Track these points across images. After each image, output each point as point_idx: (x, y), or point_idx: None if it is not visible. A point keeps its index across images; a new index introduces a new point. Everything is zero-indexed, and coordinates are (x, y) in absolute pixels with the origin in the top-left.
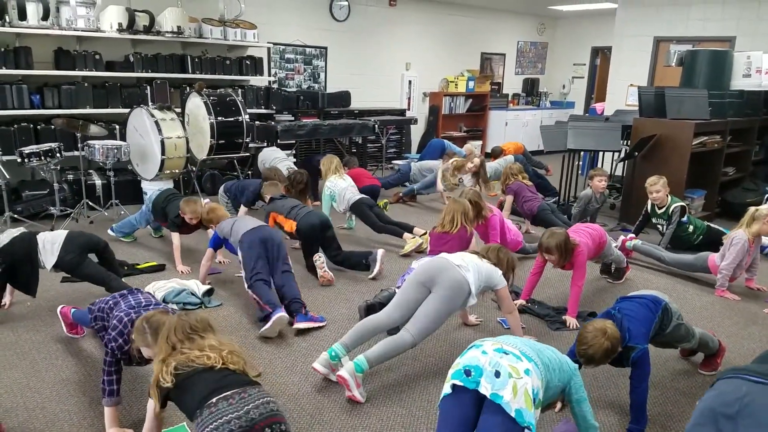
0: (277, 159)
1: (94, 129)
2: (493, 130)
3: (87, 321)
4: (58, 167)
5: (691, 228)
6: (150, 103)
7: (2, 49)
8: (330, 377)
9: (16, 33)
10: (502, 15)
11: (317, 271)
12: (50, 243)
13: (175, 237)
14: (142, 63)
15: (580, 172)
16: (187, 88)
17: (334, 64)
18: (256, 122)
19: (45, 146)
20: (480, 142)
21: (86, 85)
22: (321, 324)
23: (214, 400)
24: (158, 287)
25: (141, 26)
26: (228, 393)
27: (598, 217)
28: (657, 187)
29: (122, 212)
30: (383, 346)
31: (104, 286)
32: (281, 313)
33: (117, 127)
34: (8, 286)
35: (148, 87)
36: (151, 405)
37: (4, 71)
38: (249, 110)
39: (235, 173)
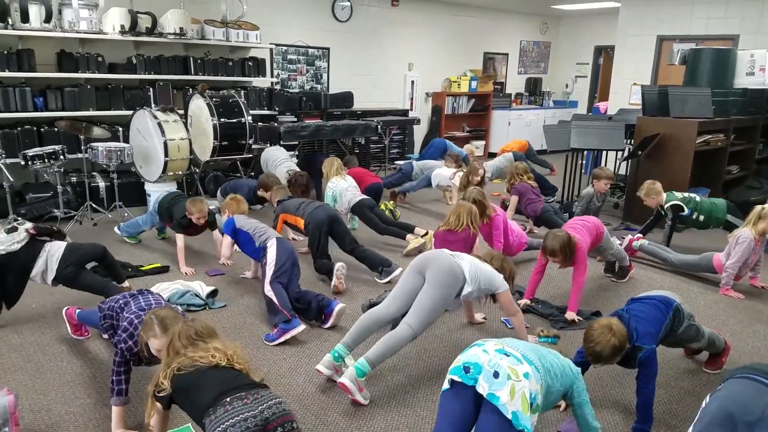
0: (279, 159)
1: (97, 131)
2: (496, 130)
3: (95, 320)
4: (62, 170)
5: (702, 217)
6: (153, 105)
7: (5, 52)
8: (335, 378)
9: (19, 35)
10: (504, 15)
11: (333, 278)
12: (48, 258)
13: (180, 238)
14: (145, 65)
15: (583, 171)
16: (190, 89)
17: (336, 65)
18: (259, 123)
19: (48, 149)
20: (483, 142)
21: (89, 87)
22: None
23: (228, 399)
24: (162, 289)
25: (143, 28)
26: (242, 393)
27: (600, 216)
28: (641, 195)
29: (126, 214)
30: (383, 344)
31: (103, 295)
32: (302, 327)
33: (120, 129)
34: None
35: (151, 89)
36: (157, 407)
37: (7, 74)
38: (252, 111)
39: (238, 174)
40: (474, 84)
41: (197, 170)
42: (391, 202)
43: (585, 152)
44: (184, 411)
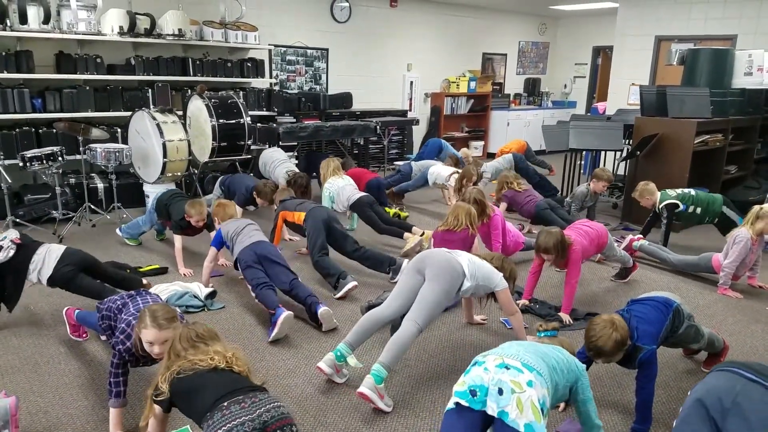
0: (278, 160)
1: (95, 132)
2: (495, 130)
3: (93, 321)
4: (60, 171)
5: (698, 210)
6: (151, 106)
7: (3, 53)
8: (334, 378)
9: (18, 37)
10: (503, 15)
11: (340, 287)
12: (46, 257)
13: (178, 240)
14: (144, 66)
15: (582, 171)
16: (189, 90)
17: (335, 66)
18: (258, 124)
19: (47, 150)
20: (482, 143)
21: (87, 88)
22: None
23: (226, 403)
24: (161, 290)
25: (142, 29)
26: (240, 397)
27: (596, 215)
28: (636, 197)
29: (124, 215)
30: (393, 346)
31: (100, 299)
32: (285, 313)
33: (119, 130)
34: None
35: (150, 90)
36: (157, 409)
37: (5, 75)
38: (250, 112)
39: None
40: (473, 84)
41: (196, 171)
42: (397, 208)
43: (584, 152)
44: (184, 414)
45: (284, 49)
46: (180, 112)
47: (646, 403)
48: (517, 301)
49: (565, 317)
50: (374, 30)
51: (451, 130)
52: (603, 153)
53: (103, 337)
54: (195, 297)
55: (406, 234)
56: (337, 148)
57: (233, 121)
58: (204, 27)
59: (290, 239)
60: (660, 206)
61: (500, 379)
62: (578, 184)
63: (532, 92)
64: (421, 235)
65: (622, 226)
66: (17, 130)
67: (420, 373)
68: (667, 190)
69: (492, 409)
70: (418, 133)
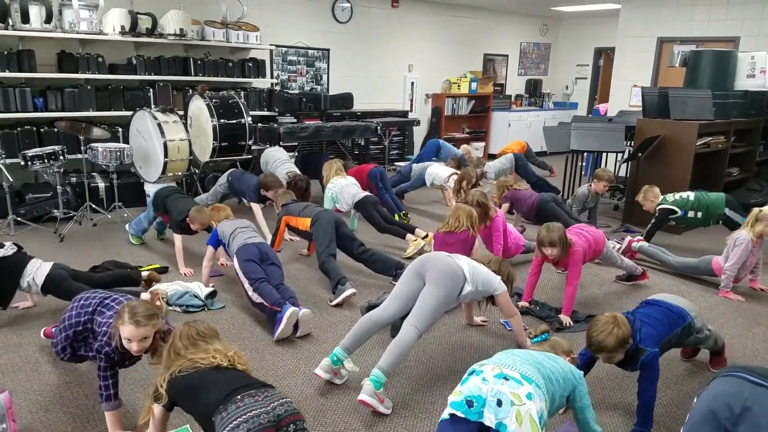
0: (279, 160)
1: (97, 132)
2: (496, 131)
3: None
4: (61, 170)
5: (699, 214)
6: (153, 106)
7: (5, 52)
8: (333, 380)
9: (19, 36)
10: (504, 16)
11: (338, 293)
12: (39, 265)
13: (178, 239)
14: (145, 65)
15: (583, 172)
16: (190, 90)
17: (336, 66)
18: (259, 124)
19: (48, 149)
20: (483, 144)
21: (89, 87)
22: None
23: (239, 396)
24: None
25: (144, 29)
26: (253, 391)
27: (598, 217)
28: (639, 200)
29: (125, 215)
30: (392, 351)
31: None
32: (291, 309)
33: (120, 129)
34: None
35: (151, 89)
36: (157, 409)
37: (7, 74)
38: (251, 112)
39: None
40: (474, 85)
41: (197, 171)
42: (403, 212)
43: (585, 154)
44: (187, 412)
45: (285, 49)
46: (181, 112)
47: (647, 406)
48: (517, 303)
49: (566, 319)
50: (375, 30)
51: (451, 131)
52: (604, 155)
53: (62, 353)
54: (195, 296)
55: (409, 236)
56: (337, 148)
57: (234, 121)
58: (205, 27)
59: (291, 239)
60: (657, 210)
61: (499, 390)
62: (579, 186)
63: (534, 93)
64: (424, 238)
65: (624, 228)
66: (19, 129)
67: (419, 374)
68: (666, 196)
69: (490, 421)
70: (419, 133)
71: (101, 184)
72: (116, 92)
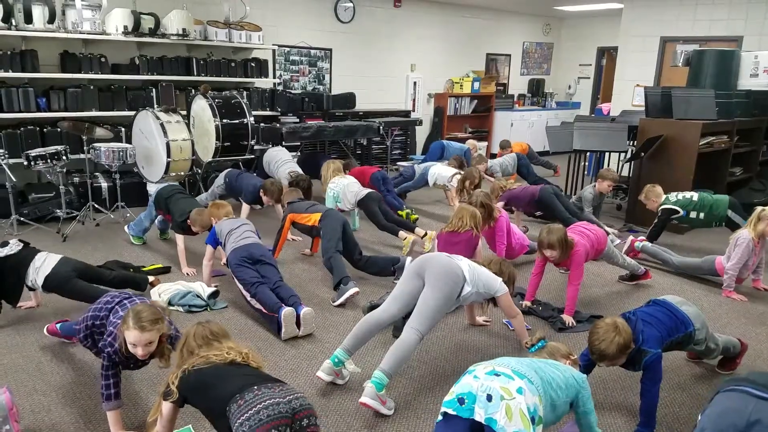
0: (281, 160)
1: (99, 132)
2: (499, 131)
3: (74, 332)
4: (64, 170)
5: (701, 215)
6: (155, 106)
7: (8, 53)
8: (336, 381)
9: (22, 36)
10: (507, 16)
11: (340, 292)
12: (45, 261)
13: (180, 239)
14: (148, 65)
15: (586, 172)
16: (193, 90)
17: (338, 66)
18: (261, 124)
19: (51, 149)
20: (485, 143)
21: (92, 87)
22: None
23: (256, 387)
24: (164, 290)
25: (146, 29)
26: (269, 384)
27: (601, 217)
28: (642, 199)
29: (128, 215)
30: (394, 353)
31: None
32: (285, 310)
33: (123, 129)
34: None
35: (154, 89)
36: (166, 406)
37: (10, 74)
38: (254, 112)
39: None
40: (476, 85)
41: (199, 171)
42: (407, 210)
43: (588, 154)
44: (197, 408)
45: (288, 49)
46: (184, 112)
47: (650, 407)
48: (520, 303)
49: (568, 319)
50: (378, 30)
51: (454, 131)
52: (607, 154)
53: (75, 340)
54: (198, 296)
55: (401, 233)
56: (340, 148)
57: (237, 121)
58: (208, 27)
59: (293, 239)
60: (658, 209)
61: (489, 386)
62: (582, 186)
63: (536, 93)
64: (424, 236)
65: (627, 228)
66: (22, 129)
67: (422, 374)
68: (669, 195)
69: (480, 416)
70: (422, 133)
71: (104, 184)
72: (119, 92)
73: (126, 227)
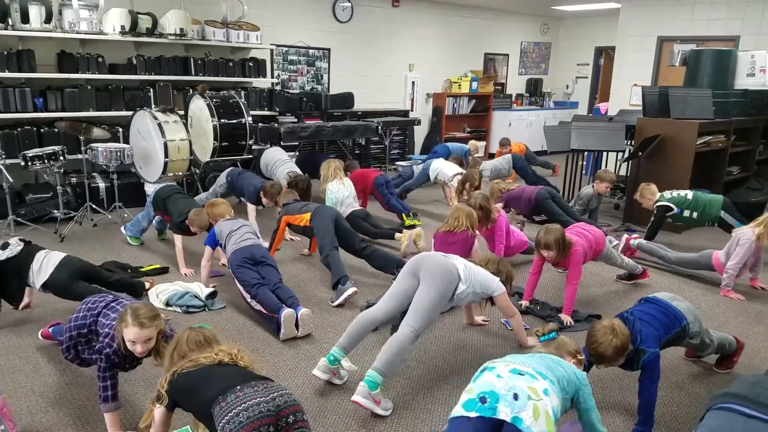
0: (279, 160)
1: (97, 132)
2: (497, 130)
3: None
4: (62, 170)
5: (694, 214)
6: (153, 106)
7: (5, 52)
8: (333, 381)
9: (19, 36)
10: (505, 15)
11: (339, 293)
12: (45, 262)
13: (178, 240)
14: (145, 65)
15: (584, 172)
16: (190, 90)
17: (337, 66)
18: (259, 124)
19: (48, 149)
20: (484, 143)
21: (89, 87)
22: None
23: (239, 386)
24: (161, 290)
25: (144, 29)
26: (253, 383)
27: (599, 216)
28: (637, 198)
29: (125, 215)
30: (388, 350)
31: None
32: (284, 311)
33: (120, 129)
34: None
35: (151, 89)
36: (158, 411)
37: (7, 74)
38: (252, 112)
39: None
40: (474, 85)
41: (197, 171)
42: (411, 213)
43: (585, 153)
44: (188, 411)
45: (286, 48)
46: (181, 112)
47: (648, 406)
48: (518, 302)
49: (566, 319)
50: (376, 30)
51: (452, 131)
52: (605, 154)
53: (66, 352)
54: (196, 297)
55: (397, 234)
56: (338, 148)
57: (235, 121)
58: (206, 26)
59: (291, 239)
60: (654, 207)
61: (516, 385)
62: (580, 186)
63: (534, 93)
64: (410, 227)
65: (624, 227)
66: (19, 129)
67: (420, 374)
68: (664, 192)
69: (505, 414)
70: (420, 133)
71: (101, 185)
72: (116, 92)
73: (122, 228)
